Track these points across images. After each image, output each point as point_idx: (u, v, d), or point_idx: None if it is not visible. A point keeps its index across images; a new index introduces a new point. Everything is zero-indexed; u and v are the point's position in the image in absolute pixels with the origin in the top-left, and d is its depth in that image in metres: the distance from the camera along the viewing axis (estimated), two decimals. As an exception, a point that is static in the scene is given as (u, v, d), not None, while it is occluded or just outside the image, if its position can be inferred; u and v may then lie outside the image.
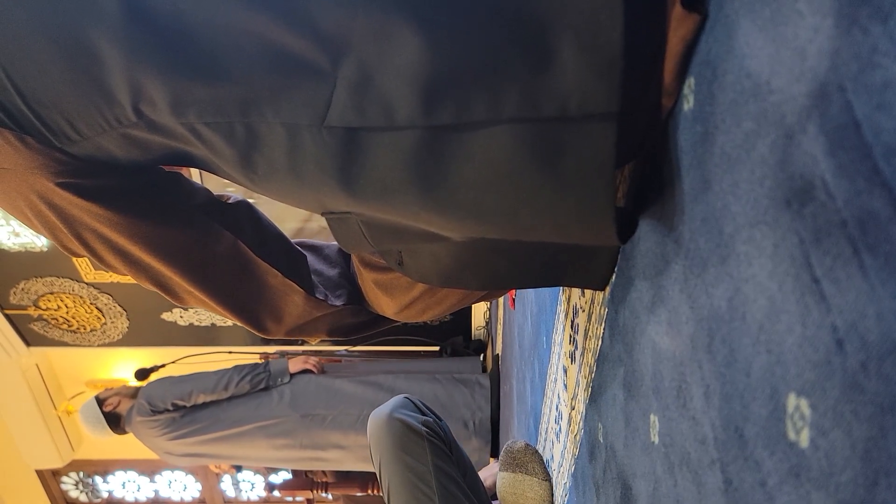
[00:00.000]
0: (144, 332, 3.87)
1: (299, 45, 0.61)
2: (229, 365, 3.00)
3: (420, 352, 3.86)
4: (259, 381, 2.87)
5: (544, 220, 0.64)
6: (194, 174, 2.71)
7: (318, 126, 0.64)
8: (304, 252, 1.04)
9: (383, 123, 0.62)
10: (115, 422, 2.86)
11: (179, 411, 2.81)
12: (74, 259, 3.54)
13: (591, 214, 0.61)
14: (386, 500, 1.21)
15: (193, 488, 4.85)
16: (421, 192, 0.65)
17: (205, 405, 2.83)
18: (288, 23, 0.61)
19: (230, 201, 0.95)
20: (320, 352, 3.77)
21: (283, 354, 3.72)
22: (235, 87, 0.64)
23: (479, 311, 3.74)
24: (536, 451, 1.42)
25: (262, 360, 3.24)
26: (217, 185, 2.99)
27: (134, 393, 2.91)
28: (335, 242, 1.05)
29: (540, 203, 0.62)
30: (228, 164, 0.73)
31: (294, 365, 2.97)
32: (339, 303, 1.03)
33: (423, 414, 1.28)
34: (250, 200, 0.99)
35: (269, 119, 0.65)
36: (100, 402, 2.86)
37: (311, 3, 0.61)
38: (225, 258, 0.91)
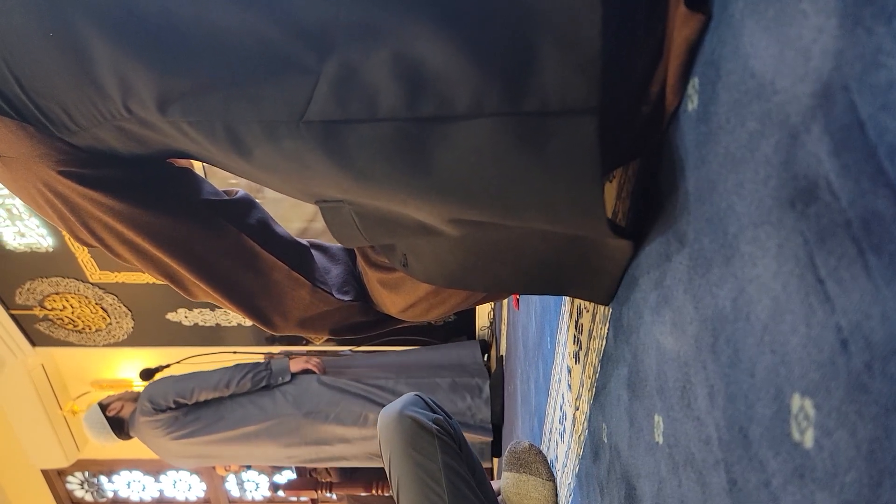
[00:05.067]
0: (149, 332, 3.88)
1: (284, 43, 0.62)
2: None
3: (424, 352, 3.86)
4: (260, 378, 2.88)
5: (532, 201, 0.64)
6: (197, 167, 2.72)
7: (296, 122, 0.65)
8: (311, 249, 1.04)
9: (364, 116, 0.62)
10: (119, 426, 2.86)
11: (182, 409, 2.81)
12: (79, 259, 3.55)
13: (580, 194, 0.61)
14: (395, 498, 1.22)
15: (198, 488, 4.86)
16: (405, 179, 0.65)
17: (207, 404, 2.84)
18: (273, 20, 0.62)
19: (235, 197, 0.95)
20: (324, 352, 3.78)
21: (287, 355, 3.73)
22: (218, 84, 0.65)
23: (484, 311, 3.74)
24: (541, 452, 1.42)
25: (266, 360, 3.24)
26: (221, 181, 3.00)
27: (136, 397, 2.92)
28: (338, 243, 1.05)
29: (527, 183, 0.62)
30: (217, 161, 0.75)
31: (295, 364, 2.98)
32: (346, 299, 1.04)
33: (434, 411, 1.28)
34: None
35: (247, 118, 0.66)
36: (103, 407, 2.87)
37: (295, 0, 0.61)
38: (229, 251, 0.92)
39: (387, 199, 0.70)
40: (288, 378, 2.93)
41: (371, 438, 2.81)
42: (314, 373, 2.99)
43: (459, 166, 0.62)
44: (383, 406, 2.78)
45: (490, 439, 2.84)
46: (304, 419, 2.81)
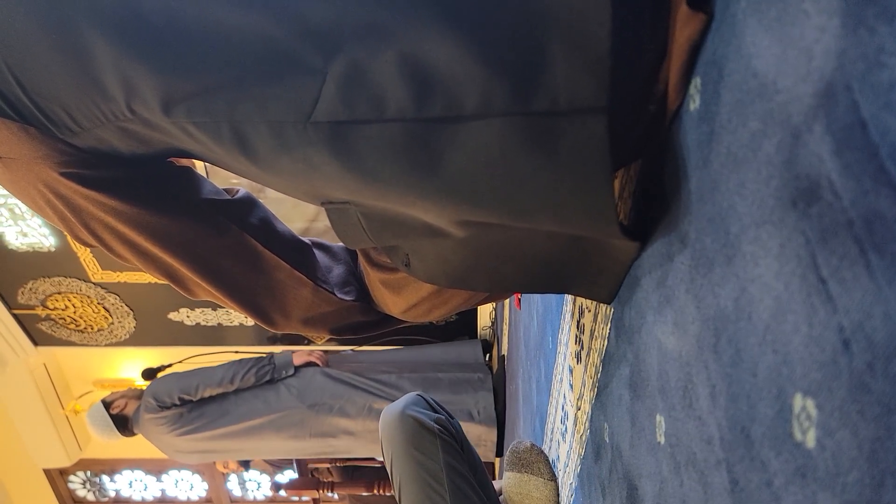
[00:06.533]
0: (151, 331, 3.89)
1: (290, 43, 0.62)
2: (235, 364, 3.01)
3: (425, 352, 3.86)
4: (264, 373, 2.89)
5: (541, 203, 0.64)
6: (199, 166, 2.73)
7: (304, 122, 0.64)
8: (313, 248, 1.04)
9: (372, 116, 0.62)
10: (123, 424, 2.87)
11: (186, 406, 2.82)
12: (81, 259, 3.55)
13: (590, 195, 0.61)
14: (397, 497, 1.22)
15: (200, 487, 4.87)
16: (413, 180, 0.65)
17: (211, 399, 2.85)
18: (279, 20, 0.61)
19: (236, 196, 0.95)
20: (325, 351, 3.78)
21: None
22: (224, 84, 0.65)
23: (485, 311, 3.74)
24: (542, 451, 1.43)
25: (268, 353, 3.25)
26: (223, 180, 3.01)
27: (139, 394, 2.93)
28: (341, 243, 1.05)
29: (536, 184, 0.62)
30: (222, 162, 0.75)
31: (298, 357, 2.99)
32: (348, 298, 1.04)
33: (436, 412, 1.29)
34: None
35: (254, 119, 0.66)
36: (106, 405, 2.88)
37: (302, 0, 0.61)
38: (231, 250, 0.92)
39: (394, 200, 0.70)
40: (291, 371, 2.94)
41: (376, 431, 2.83)
42: (317, 365, 3.00)
43: (468, 167, 0.62)
44: (386, 399, 2.81)
45: (495, 432, 2.85)
46: (309, 411, 2.83)
